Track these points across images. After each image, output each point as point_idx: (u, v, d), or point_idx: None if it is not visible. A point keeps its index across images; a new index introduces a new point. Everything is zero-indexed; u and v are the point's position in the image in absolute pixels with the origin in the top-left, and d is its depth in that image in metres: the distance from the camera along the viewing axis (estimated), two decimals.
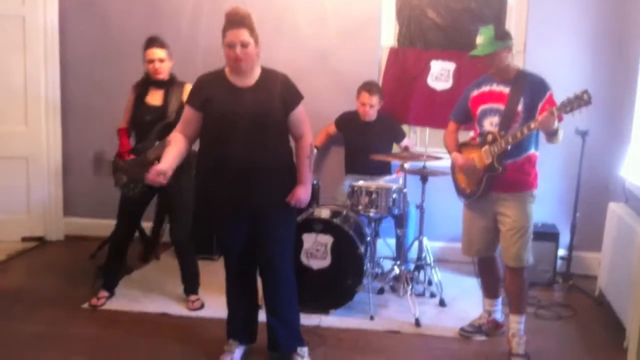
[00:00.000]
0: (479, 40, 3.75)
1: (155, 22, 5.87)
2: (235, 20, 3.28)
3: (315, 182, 4.81)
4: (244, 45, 3.28)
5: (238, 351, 3.74)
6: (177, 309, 4.51)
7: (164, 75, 4.43)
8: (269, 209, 3.47)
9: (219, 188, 3.43)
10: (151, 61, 4.38)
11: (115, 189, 4.50)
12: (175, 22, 5.93)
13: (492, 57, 3.73)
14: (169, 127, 4.27)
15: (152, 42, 4.41)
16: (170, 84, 4.47)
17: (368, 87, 5.23)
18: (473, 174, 3.88)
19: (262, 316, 3.80)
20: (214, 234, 3.69)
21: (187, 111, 3.51)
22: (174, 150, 3.46)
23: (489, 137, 3.76)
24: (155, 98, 4.45)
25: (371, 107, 5.24)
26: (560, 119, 3.50)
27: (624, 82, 5.22)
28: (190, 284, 4.65)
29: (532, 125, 3.54)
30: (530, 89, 3.71)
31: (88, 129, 6.01)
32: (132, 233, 4.72)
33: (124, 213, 4.56)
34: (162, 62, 4.40)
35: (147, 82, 4.49)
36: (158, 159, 4.25)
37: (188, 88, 4.41)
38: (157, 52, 4.39)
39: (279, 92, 3.42)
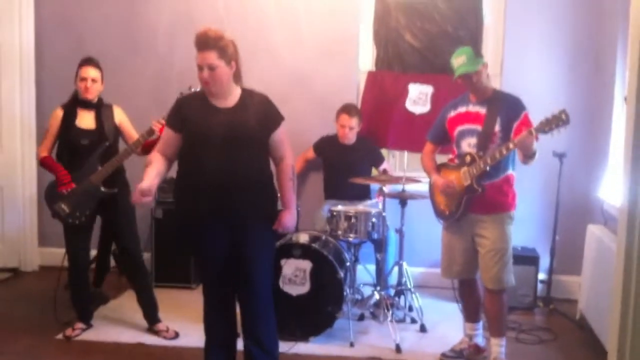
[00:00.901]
0: (460, 60, 3.75)
1: (131, 42, 5.88)
2: (203, 43, 3.26)
3: (296, 207, 4.77)
4: (211, 68, 3.26)
5: None
6: (153, 339, 4.42)
7: (92, 95, 4.33)
8: (247, 226, 3.42)
9: (196, 207, 3.38)
10: (84, 79, 4.30)
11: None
12: (151, 42, 5.92)
13: (478, 74, 3.74)
14: (109, 150, 4.28)
15: (88, 61, 4.35)
16: (99, 106, 4.40)
17: (347, 109, 5.22)
18: (453, 196, 3.87)
19: (240, 345, 3.72)
20: (193, 249, 3.61)
21: (167, 132, 3.47)
22: (154, 169, 3.39)
23: (468, 158, 3.75)
24: (85, 121, 4.36)
25: (351, 130, 5.22)
26: (536, 139, 3.50)
27: (600, 102, 5.26)
28: (151, 310, 4.55)
29: (511, 146, 3.55)
30: (506, 108, 3.73)
31: None
32: (88, 258, 4.61)
33: (74, 242, 4.44)
34: (95, 82, 4.32)
35: (75, 104, 4.39)
36: (102, 183, 4.22)
37: (117, 110, 4.45)
38: (91, 72, 4.31)
39: (260, 113, 3.40)
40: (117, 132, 4.45)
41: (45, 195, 4.41)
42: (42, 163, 4.40)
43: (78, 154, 4.32)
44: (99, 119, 4.35)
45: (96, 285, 5.24)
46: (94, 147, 4.29)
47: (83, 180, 4.28)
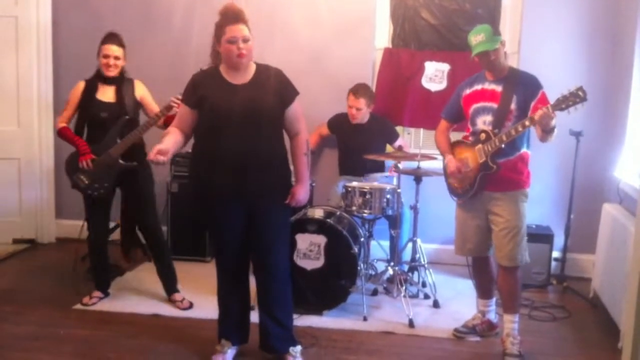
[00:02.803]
0: (479, 38, 3.71)
1: (148, 17, 5.90)
2: (236, 16, 3.29)
3: (311, 182, 4.79)
4: (246, 40, 3.29)
5: (230, 352, 3.70)
6: (169, 310, 4.48)
7: (114, 73, 4.38)
8: (263, 203, 3.45)
9: (214, 183, 3.41)
10: (106, 56, 4.34)
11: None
12: (168, 18, 5.93)
13: (496, 52, 3.71)
14: (129, 124, 4.31)
15: (111, 38, 4.38)
16: (120, 81, 4.43)
17: (354, 90, 5.20)
18: (466, 176, 3.87)
19: (254, 317, 3.77)
20: (209, 224, 3.65)
21: (183, 109, 3.49)
22: (172, 137, 3.41)
23: (483, 136, 3.75)
24: (106, 95, 4.40)
25: (358, 110, 5.21)
26: (554, 116, 3.49)
27: (618, 82, 5.21)
28: (170, 281, 4.62)
29: (527, 123, 3.53)
30: (523, 87, 3.71)
31: None
32: (107, 230, 4.70)
33: (94, 214, 4.51)
34: (117, 59, 4.37)
35: (96, 79, 4.44)
36: (122, 157, 4.26)
37: (138, 84, 4.48)
38: (115, 50, 4.36)
39: (275, 88, 3.41)
40: (138, 106, 4.48)
41: (65, 166, 4.46)
42: (60, 133, 4.44)
43: (98, 126, 4.37)
44: (119, 93, 4.39)
45: (126, 257, 5.32)
46: (114, 120, 4.34)
47: (102, 153, 4.32)
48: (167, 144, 3.33)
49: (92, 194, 4.37)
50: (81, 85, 4.45)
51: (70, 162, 4.43)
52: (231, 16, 3.30)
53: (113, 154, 4.31)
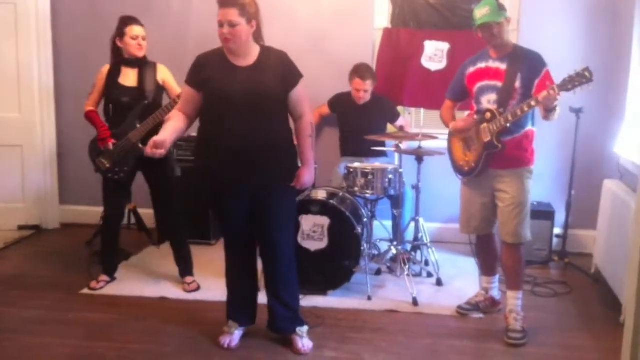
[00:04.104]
0: (484, 11, 3.70)
1: (147, 3, 5.87)
2: (225, 0, 3.28)
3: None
4: (232, 25, 3.26)
5: (237, 333, 3.75)
6: (176, 293, 4.52)
7: (144, 53, 4.43)
8: (269, 186, 3.47)
9: (218, 166, 3.43)
10: (135, 37, 4.37)
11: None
12: (167, 2, 5.92)
13: (500, 26, 3.71)
14: (149, 109, 4.34)
15: (135, 20, 4.41)
16: (143, 64, 4.46)
17: (360, 73, 5.19)
18: (473, 142, 3.88)
19: (261, 298, 3.81)
20: (214, 208, 3.69)
21: (187, 91, 3.49)
22: (172, 125, 3.44)
23: (488, 115, 3.76)
24: (128, 79, 4.43)
25: (365, 92, 5.22)
26: (559, 96, 3.50)
27: (617, 59, 5.23)
28: (186, 266, 4.67)
29: (533, 103, 3.54)
30: (527, 65, 3.71)
31: (82, 114, 5.93)
32: (122, 215, 4.75)
33: (111, 197, 4.56)
34: (144, 40, 4.42)
35: (119, 62, 4.46)
36: (141, 141, 4.29)
37: (161, 68, 4.49)
38: (141, 30, 4.40)
39: (279, 71, 3.41)
40: (161, 89, 4.50)
41: (88, 149, 4.52)
42: (86, 116, 4.51)
43: (120, 111, 4.43)
44: (141, 77, 4.41)
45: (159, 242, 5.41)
46: (135, 104, 4.37)
47: (122, 137, 4.36)
48: (164, 134, 3.35)
49: (113, 177, 4.42)
50: (105, 69, 4.48)
51: (92, 146, 4.49)
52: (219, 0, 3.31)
53: (132, 138, 4.34)
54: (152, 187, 4.61)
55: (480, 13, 3.72)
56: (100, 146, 4.41)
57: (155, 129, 4.28)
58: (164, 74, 4.51)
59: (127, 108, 4.39)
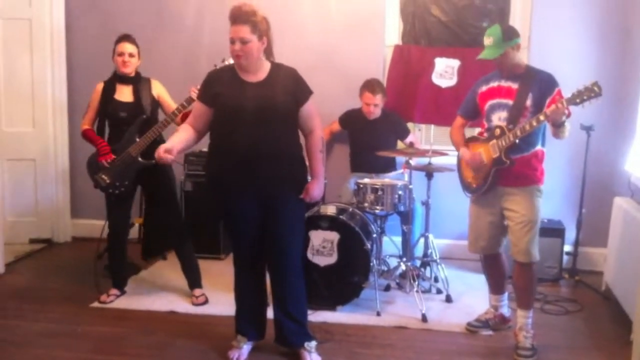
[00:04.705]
0: (488, 41, 3.74)
1: (160, 20, 5.95)
2: (237, 16, 3.31)
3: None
4: (244, 42, 3.31)
5: (246, 347, 3.76)
6: (185, 307, 4.53)
7: (130, 69, 4.47)
8: (277, 200, 3.49)
9: (227, 180, 3.46)
10: (121, 54, 4.43)
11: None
12: (180, 20, 5.99)
13: (503, 57, 3.73)
14: (147, 123, 4.39)
15: (125, 37, 4.48)
16: (137, 80, 4.52)
17: (370, 87, 5.22)
18: (480, 169, 3.89)
19: (270, 313, 3.81)
20: (225, 222, 3.72)
21: (198, 106, 3.54)
22: (180, 136, 3.51)
23: (497, 131, 3.76)
24: (124, 94, 4.48)
25: (375, 106, 5.25)
26: (568, 115, 3.50)
27: (628, 75, 5.22)
28: (194, 277, 4.68)
29: (541, 118, 3.54)
30: (539, 84, 3.72)
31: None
32: (127, 228, 4.76)
33: (114, 211, 4.58)
34: (132, 57, 4.46)
35: (114, 79, 4.52)
36: (141, 155, 4.33)
37: (155, 83, 4.55)
38: (128, 47, 4.45)
39: (289, 87, 3.45)
40: (156, 104, 4.56)
41: (87, 166, 4.54)
42: (84, 135, 4.55)
43: (117, 126, 4.47)
44: (136, 93, 4.47)
45: (144, 257, 5.46)
46: (133, 119, 4.41)
47: (122, 152, 4.40)
48: (173, 142, 3.44)
49: (114, 192, 4.45)
50: (100, 86, 4.54)
51: (91, 162, 4.51)
52: (231, 16, 3.34)
53: (132, 152, 4.39)
54: (154, 199, 4.66)
55: (486, 42, 3.75)
56: (101, 162, 4.43)
57: (154, 143, 4.32)
58: (158, 89, 4.57)
59: (125, 123, 4.43)
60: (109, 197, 4.52)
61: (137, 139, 4.39)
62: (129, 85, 4.49)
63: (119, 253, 4.68)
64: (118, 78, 4.50)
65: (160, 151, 3.37)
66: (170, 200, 4.60)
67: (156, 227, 4.83)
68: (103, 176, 4.42)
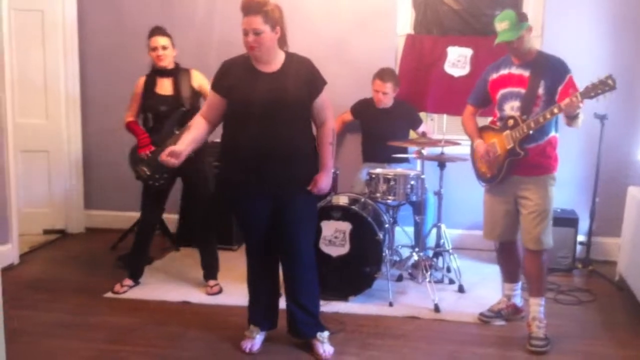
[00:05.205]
0: (503, 25, 3.70)
1: (171, 12, 5.94)
2: (248, 7, 3.29)
3: (335, 170, 4.82)
4: (257, 33, 3.29)
5: (259, 337, 3.76)
6: (198, 297, 4.55)
7: (166, 62, 4.49)
8: (289, 192, 3.49)
9: (239, 171, 3.45)
10: (154, 49, 4.45)
11: (136, 181, 4.56)
12: (190, 11, 5.98)
13: (519, 40, 3.69)
14: (186, 115, 4.38)
15: (156, 30, 4.49)
16: (176, 72, 4.53)
17: (381, 74, 5.22)
18: (494, 160, 3.87)
19: (283, 303, 3.82)
20: (236, 215, 3.72)
21: (212, 97, 3.53)
22: (190, 135, 3.51)
23: (510, 122, 3.74)
24: (164, 88, 4.51)
25: (385, 95, 5.23)
26: (581, 103, 3.47)
27: None
28: (210, 269, 4.71)
29: (556, 110, 3.52)
30: (551, 71, 3.69)
31: (107, 121, 6.03)
32: (157, 222, 4.81)
33: (150, 203, 4.62)
34: (165, 49, 4.47)
35: (154, 73, 4.55)
36: None
37: (195, 74, 4.54)
38: (160, 40, 4.46)
39: (303, 77, 3.43)
40: (197, 95, 4.56)
41: (128, 158, 4.59)
42: (127, 127, 4.60)
43: (159, 119, 4.51)
44: (176, 85, 4.49)
45: (175, 247, 5.58)
46: (173, 112, 4.44)
47: (161, 144, 4.40)
48: (183, 145, 3.44)
49: (154, 184, 4.48)
50: (141, 80, 4.58)
51: (132, 154, 4.56)
52: (243, 7, 3.31)
53: (171, 144, 4.39)
54: (190, 188, 4.70)
55: (500, 27, 3.70)
56: (141, 154, 4.47)
57: None
58: (199, 80, 4.56)
59: (165, 116, 4.47)
60: (148, 189, 4.55)
61: (176, 132, 4.40)
62: (169, 78, 4.51)
63: (144, 245, 4.72)
64: (157, 71, 4.53)
65: (163, 155, 3.38)
66: (202, 193, 4.62)
67: (191, 217, 4.82)
68: (144, 168, 4.46)
